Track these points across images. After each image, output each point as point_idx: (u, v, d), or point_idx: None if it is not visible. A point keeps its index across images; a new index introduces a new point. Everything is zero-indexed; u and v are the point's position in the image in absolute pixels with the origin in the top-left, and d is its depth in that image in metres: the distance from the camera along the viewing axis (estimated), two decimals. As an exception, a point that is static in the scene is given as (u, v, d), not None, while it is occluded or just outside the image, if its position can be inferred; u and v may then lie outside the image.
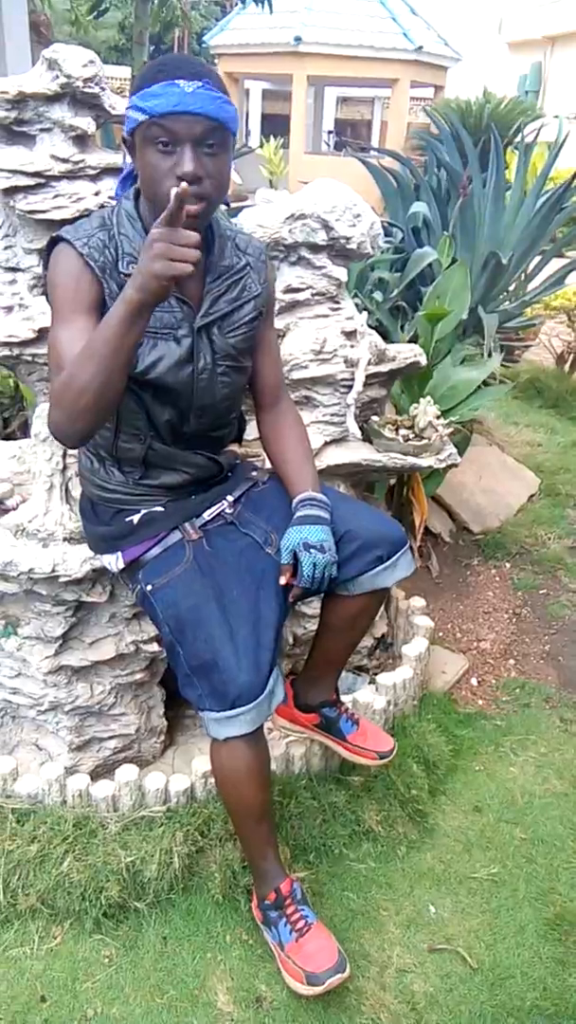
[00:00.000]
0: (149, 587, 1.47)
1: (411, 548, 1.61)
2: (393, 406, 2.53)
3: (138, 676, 1.82)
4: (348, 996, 1.53)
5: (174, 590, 1.44)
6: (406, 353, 2.13)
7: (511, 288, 3.81)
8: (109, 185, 1.78)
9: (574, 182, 3.68)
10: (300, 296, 1.95)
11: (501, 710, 2.30)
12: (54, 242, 1.40)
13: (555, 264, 3.97)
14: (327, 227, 1.89)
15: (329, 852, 1.79)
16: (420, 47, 10.42)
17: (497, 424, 3.91)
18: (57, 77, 1.69)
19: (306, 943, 1.46)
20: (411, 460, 2.06)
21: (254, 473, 1.67)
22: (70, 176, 1.74)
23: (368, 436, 2.11)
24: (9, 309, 1.83)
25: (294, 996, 1.50)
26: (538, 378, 4.50)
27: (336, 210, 1.89)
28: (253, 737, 1.39)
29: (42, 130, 1.74)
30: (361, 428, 2.07)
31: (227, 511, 1.58)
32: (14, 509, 1.79)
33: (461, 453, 2.34)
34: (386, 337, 2.63)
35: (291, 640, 2.06)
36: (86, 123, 1.74)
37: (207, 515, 1.56)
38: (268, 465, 1.86)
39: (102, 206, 1.73)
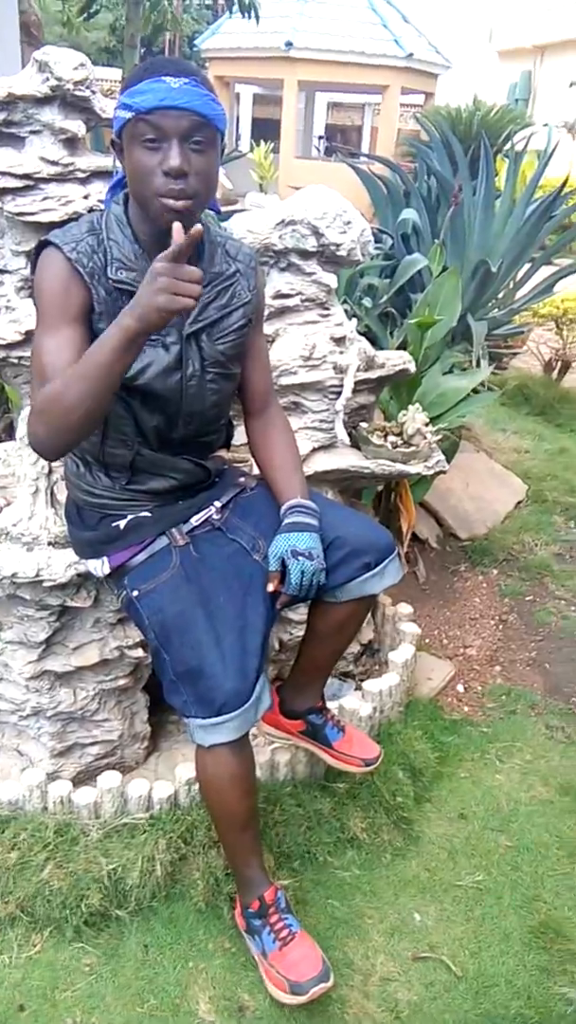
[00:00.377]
0: (135, 593, 1.46)
1: (399, 555, 1.61)
2: (381, 412, 2.54)
3: (122, 682, 1.81)
4: (331, 1005, 1.52)
5: (160, 596, 1.43)
6: (395, 360, 2.13)
7: (500, 296, 3.83)
8: (99, 188, 1.77)
9: (563, 190, 3.71)
10: (290, 302, 1.95)
11: (487, 717, 2.30)
12: (42, 246, 1.39)
13: (544, 272, 4.00)
14: (317, 233, 1.89)
15: (314, 860, 1.78)
16: (411, 54, 10.47)
17: (485, 431, 3.93)
18: (48, 79, 1.68)
19: (290, 952, 1.45)
20: (399, 467, 2.07)
21: (242, 479, 1.66)
22: (59, 179, 1.73)
23: (356, 443, 2.11)
24: (-4, 311, 1.82)
25: (277, 1005, 1.49)
26: (526, 385, 4.53)
27: (326, 217, 1.89)
28: (239, 744, 1.38)
29: (32, 132, 1.73)
30: (349, 434, 2.07)
31: (214, 517, 1.57)
32: (-1, 512, 1.77)
33: (449, 460, 2.35)
34: (375, 343, 2.63)
35: (277, 646, 2.05)
36: (76, 126, 1.73)
37: (194, 521, 1.55)
38: (256, 471, 1.85)
39: (91, 209, 1.72)
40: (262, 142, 10.29)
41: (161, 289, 1.16)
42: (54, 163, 1.72)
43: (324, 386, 1.97)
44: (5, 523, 1.67)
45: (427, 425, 2.15)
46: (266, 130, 13.82)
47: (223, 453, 1.71)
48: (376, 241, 3.47)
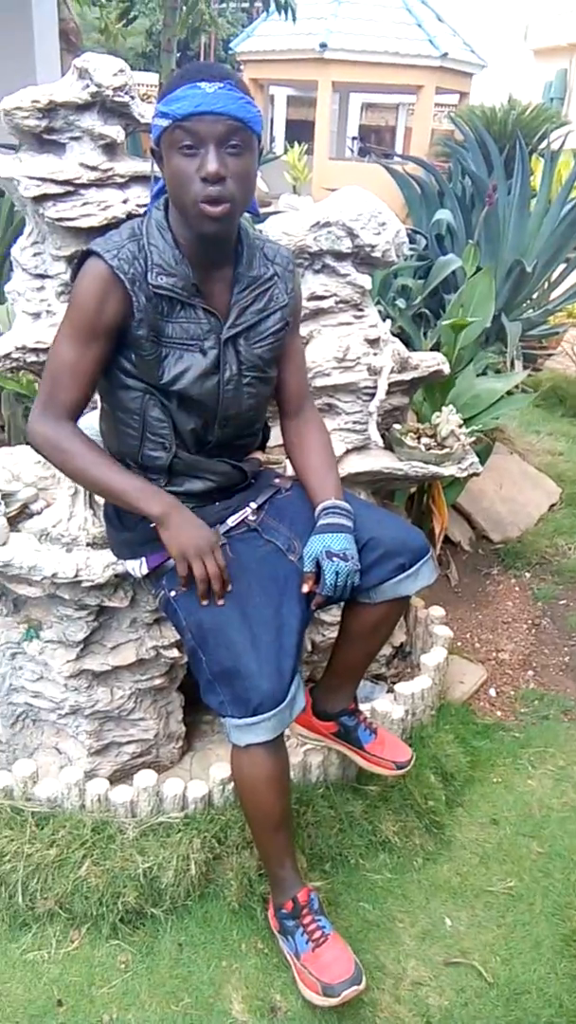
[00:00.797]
0: (172, 593, 1.48)
1: (432, 557, 1.60)
2: (415, 414, 2.53)
3: (158, 681, 1.83)
4: (362, 1008, 1.52)
5: (197, 597, 1.44)
6: (429, 361, 2.12)
7: (534, 296, 3.80)
8: (137, 193, 1.79)
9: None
10: (324, 304, 1.96)
11: (519, 722, 2.28)
12: (85, 255, 1.41)
13: (579, 272, 3.96)
14: (352, 235, 1.89)
15: (345, 862, 1.79)
16: (445, 54, 10.39)
17: (518, 432, 3.89)
18: (88, 86, 1.71)
19: (322, 953, 1.46)
20: (432, 469, 2.06)
21: (277, 480, 1.67)
22: (99, 184, 1.75)
23: (390, 444, 2.11)
24: (37, 315, 1.85)
25: (309, 1006, 1.49)
26: (560, 386, 4.48)
27: (361, 218, 1.89)
28: (274, 744, 1.39)
29: (72, 138, 1.76)
30: (383, 436, 2.07)
31: (250, 518, 1.58)
32: (38, 514, 1.80)
33: (483, 462, 2.33)
34: (408, 344, 2.63)
35: (310, 647, 2.06)
36: (115, 131, 1.76)
37: (231, 522, 1.56)
38: (290, 472, 1.86)
39: (130, 214, 1.74)
40: (296, 144, 10.29)
41: (202, 556, 1.41)
42: (94, 168, 1.74)
43: (358, 388, 1.97)
44: (45, 524, 1.70)
45: (461, 427, 2.15)
46: (300, 132, 13.82)
47: (258, 454, 1.72)
48: (410, 242, 3.46)
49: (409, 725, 2.02)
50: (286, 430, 1.66)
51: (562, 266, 3.85)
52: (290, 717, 1.39)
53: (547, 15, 16.35)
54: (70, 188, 1.73)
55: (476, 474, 2.18)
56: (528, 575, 2.91)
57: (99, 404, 1.56)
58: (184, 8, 4.88)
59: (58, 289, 1.82)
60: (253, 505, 1.60)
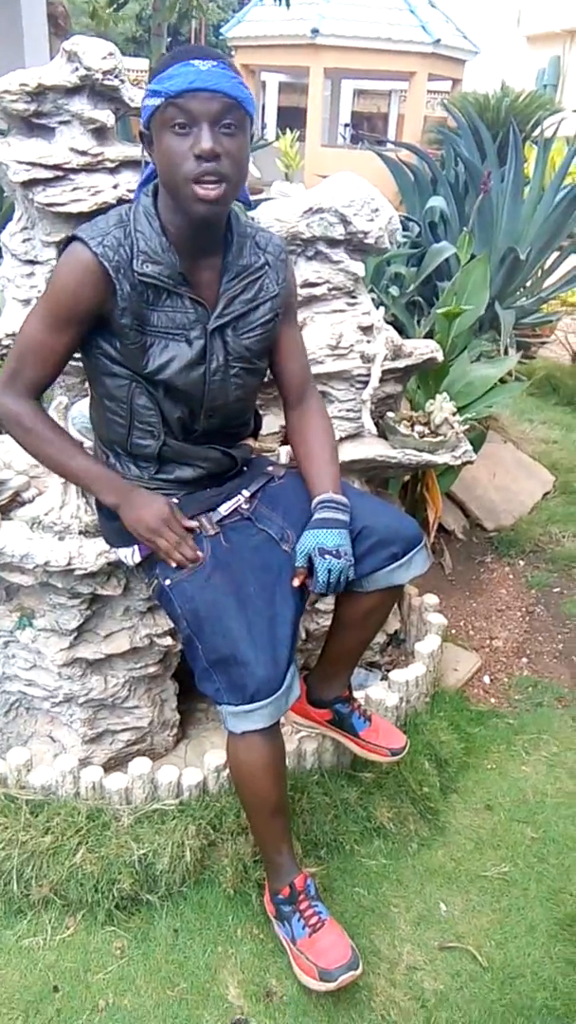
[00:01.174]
0: (167, 581, 1.47)
1: (426, 545, 1.60)
2: (408, 402, 2.52)
3: (151, 669, 1.83)
4: (358, 992, 1.53)
5: (192, 585, 1.44)
6: (422, 349, 2.12)
7: (528, 284, 3.79)
8: (127, 178, 1.77)
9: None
10: (317, 291, 1.95)
11: (513, 708, 2.29)
12: (70, 240, 1.39)
13: (573, 260, 3.95)
14: (345, 221, 1.88)
15: (340, 848, 1.79)
16: (438, 40, 10.34)
17: (512, 421, 3.89)
18: (77, 69, 1.69)
19: (319, 939, 1.46)
20: (426, 457, 2.06)
21: (270, 468, 1.66)
22: (89, 169, 1.74)
23: (383, 432, 2.10)
24: (27, 302, 1.84)
25: (305, 991, 1.50)
26: (554, 375, 4.48)
27: (354, 204, 1.88)
28: (270, 732, 1.39)
29: (61, 123, 1.74)
30: (376, 424, 2.06)
31: (243, 506, 1.57)
32: (30, 502, 1.79)
33: (476, 450, 2.33)
34: (402, 332, 2.62)
35: (304, 635, 2.06)
36: (105, 116, 1.74)
37: (223, 510, 1.55)
38: (283, 460, 1.86)
39: (120, 199, 1.73)
40: (288, 130, 10.22)
41: (161, 532, 1.44)
42: (83, 153, 1.72)
43: (351, 375, 1.97)
44: (37, 512, 1.69)
45: (454, 415, 2.14)
46: (292, 118, 13.74)
47: (250, 442, 1.71)
48: (403, 229, 3.45)
49: (403, 712, 2.03)
50: (289, 420, 1.65)
51: (556, 254, 3.84)
52: (286, 704, 1.39)
53: (540, 1, 16.26)
54: (59, 173, 1.71)
55: (470, 462, 2.18)
56: (522, 563, 2.91)
57: (89, 392, 1.56)
58: (174, -8, 4.83)
59: (47, 275, 1.81)
60: (246, 493, 1.59)
